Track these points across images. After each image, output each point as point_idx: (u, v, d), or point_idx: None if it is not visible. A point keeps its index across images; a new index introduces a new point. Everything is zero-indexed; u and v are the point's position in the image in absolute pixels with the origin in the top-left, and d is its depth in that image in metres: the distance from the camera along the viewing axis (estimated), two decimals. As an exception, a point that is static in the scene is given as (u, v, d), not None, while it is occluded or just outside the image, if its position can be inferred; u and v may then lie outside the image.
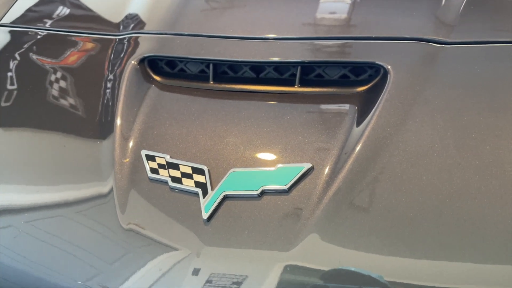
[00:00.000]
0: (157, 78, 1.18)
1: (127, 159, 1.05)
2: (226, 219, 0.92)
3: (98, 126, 1.14)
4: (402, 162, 0.90)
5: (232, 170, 0.96)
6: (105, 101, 1.18)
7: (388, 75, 1.00)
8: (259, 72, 1.13)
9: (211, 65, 1.13)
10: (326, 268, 0.85)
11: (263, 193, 0.92)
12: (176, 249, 0.92)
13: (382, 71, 1.03)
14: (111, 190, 1.02)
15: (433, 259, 0.83)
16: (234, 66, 1.14)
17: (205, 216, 0.93)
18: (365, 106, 0.99)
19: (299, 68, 1.07)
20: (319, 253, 0.86)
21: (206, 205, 0.94)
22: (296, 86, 1.08)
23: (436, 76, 1.01)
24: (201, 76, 1.16)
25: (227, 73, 1.15)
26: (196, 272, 0.88)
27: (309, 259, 0.86)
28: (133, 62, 1.19)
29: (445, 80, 1.00)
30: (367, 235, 0.85)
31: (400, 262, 0.84)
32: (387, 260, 0.84)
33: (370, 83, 1.05)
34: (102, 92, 1.21)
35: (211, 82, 1.14)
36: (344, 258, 0.85)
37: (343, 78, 1.07)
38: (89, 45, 1.35)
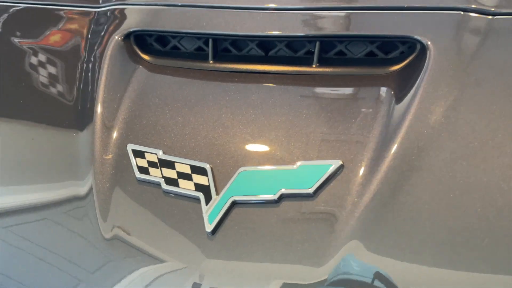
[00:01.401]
0: (145, 57, 0.95)
1: (110, 155, 0.82)
2: (236, 232, 0.71)
3: (74, 116, 0.92)
4: (455, 159, 0.69)
5: (241, 169, 0.74)
6: (82, 86, 0.95)
7: (428, 52, 0.79)
8: (268, 49, 0.91)
9: (210, 41, 0.91)
10: (365, 282, 0.64)
11: (282, 197, 0.71)
12: (171, 269, 0.70)
13: (418, 47, 0.81)
14: (89, 193, 0.80)
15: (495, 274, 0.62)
16: (238, 42, 0.92)
17: (208, 228, 0.71)
18: (401, 90, 0.78)
19: (317, 43, 0.85)
20: (356, 270, 0.65)
21: (210, 213, 0.72)
22: (314, 66, 0.86)
23: (484, 54, 0.80)
24: (199, 55, 0.94)
25: (229, 50, 0.93)
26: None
27: (345, 276, 0.65)
28: (116, 38, 0.96)
29: (495, 59, 0.79)
30: (415, 250, 0.64)
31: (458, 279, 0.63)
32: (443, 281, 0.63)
33: (403, 61, 0.83)
34: (78, 75, 0.98)
35: (211, 62, 0.91)
36: (388, 275, 0.65)
37: (369, 56, 0.85)
38: (63, 20, 1.11)
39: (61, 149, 0.86)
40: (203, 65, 0.92)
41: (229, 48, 0.93)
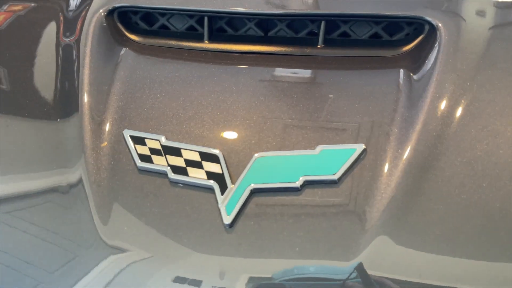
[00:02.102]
0: (132, 37, 0.86)
1: (105, 143, 0.72)
2: (257, 223, 0.64)
3: (56, 102, 0.81)
4: (482, 137, 0.66)
5: (257, 155, 0.67)
6: (63, 70, 0.84)
7: (438, 33, 0.75)
8: (267, 29, 0.84)
9: (205, 19, 0.82)
10: (400, 280, 0.59)
11: (304, 185, 0.65)
12: (186, 269, 0.62)
13: (427, 28, 0.77)
14: (78, 184, 0.69)
15: None
16: (234, 21, 0.84)
17: (227, 220, 0.64)
18: (416, 71, 0.74)
19: (323, 23, 0.79)
20: (390, 262, 0.60)
21: (227, 204, 0.65)
22: (319, 46, 0.80)
23: (497, 34, 0.78)
24: (191, 35, 0.85)
25: (224, 30, 0.85)
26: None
27: (378, 269, 0.60)
28: (98, 16, 0.85)
29: (507, 37, 0.77)
30: (451, 238, 0.60)
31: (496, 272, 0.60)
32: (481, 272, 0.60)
33: (411, 42, 0.79)
34: (57, 58, 0.86)
35: (206, 42, 0.83)
36: (423, 267, 0.60)
37: (373, 38, 0.81)
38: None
39: (41, 138, 0.75)
40: (198, 45, 0.84)
41: (225, 27, 0.85)
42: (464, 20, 0.79)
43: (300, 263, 0.62)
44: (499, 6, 0.81)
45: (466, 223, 0.61)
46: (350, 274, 0.60)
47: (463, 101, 0.69)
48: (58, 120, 0.77)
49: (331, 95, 0.73)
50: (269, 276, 0.61)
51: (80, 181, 0.70)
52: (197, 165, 0.68)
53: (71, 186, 0.70)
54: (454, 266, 0.60)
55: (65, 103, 0.78)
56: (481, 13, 0.82)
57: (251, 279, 0.61)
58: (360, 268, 0.60)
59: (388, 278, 0.60)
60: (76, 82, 0.78)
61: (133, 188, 0.68)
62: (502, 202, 0.62)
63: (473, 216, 0.62)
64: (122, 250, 0.64)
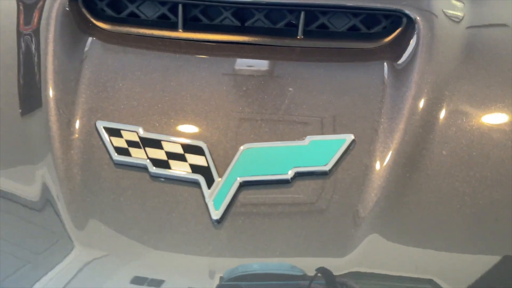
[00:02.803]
0: (99, 24, 0.79)
1: (75, 135, 0.66)
2: (247, 218, 0.60)
3: (18, 95, 0.73)
4: (469, 126, 0.65)
5: (244, 146, 0.63)
6: (23, 61, 0.76)
7: (416, 25, 0.75)
8: (244, 19, 0.80)
9: (180, 7, 0.78)
10: (394, 275, 0.57)
11: (295, 176, 0.61)
12: (177, 270, 0.57)
13: (405, 21, 0.77)
14: (46, 184, 0.62)
15: None
16: (210, 9, 0.80)
17: (215, 215, 0.59)
18: (397, 61, 0.73)
19: (302, 13, 0.77)
20: (384, 257, 0.58)
21: (215, 198, 0.60)
22: (298, 37, 0.77)
23: (472, 25, 0.79)
24: (164, 23, 0.80)
25: (199, 19, 0.81)
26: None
27: (371, 265, 0.57)
28: (60, 1, 0.78)
29: (484, 28, 0.77)
30: (443, 229, 0.59)
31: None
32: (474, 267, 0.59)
33: (390, 35, 0.78)
34: (17, 50, 0.78)
35: (180, 30, 0.78)
36: (418, 261, 0.58)
37: (351, 30, 0.79)
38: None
39: (1, 133, 0.67)
40: (172, 34, 0.79)
41: (199, 16, 0.81)
42: (440, 13, 0.79)
43: (293, 260, 0.58)
44: None
45: (457, 212, 0.60)
46: (344, 270, 0.57)
47: (446, 90, 0.69)
48: (22, 113, 0.69)
49: (317, 87, 0.70)
50: (261, 273, 0.57)
51: (46, 177, 0.63)
52: (180, 157, 0.62)
53: (36, 183, 0.63)
54: (447, 258, 0.59)
55: (29, 95, 0.70)
56: (456, 7, 0.82)
57: (242, 277, 0.56)
58: (353, 264, 0.57)
59: (382, 274, 0.58)
60: (40, 72, 0.71)
61: (109, 183, 0.61)
62: (492, 190, 0.61)
63: (464, 205, 0.60)
64: (98, 254, 0.58)
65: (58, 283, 0.56)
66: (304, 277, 0.57)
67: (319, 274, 0.57)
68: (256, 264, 0.57)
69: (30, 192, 0.62)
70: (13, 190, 0.63)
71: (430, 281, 0.57)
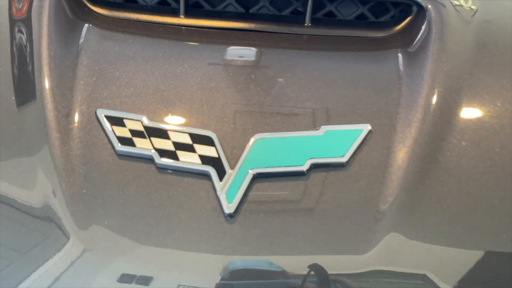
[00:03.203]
0: (96, 9, 0.74)
1: (74, 125, 0.61)
2: (261, 212, 0.56)
3: (12, 83, 0.67)
4: (492, 119, 0.63)
5: (257, 136, 0.59)
6: (16, 48, 0.71)
7: (427, 13, 0.72)
8: (248, 5, 0.77)
9: (181, -8, 0.73)
10: (417, 272, 0.54)
11: (311, 168, 0.58)
12: (188, 268, 0.53)
13: (415, 9, 0.74)
14: (43, 176, 0.58)
15: None
16: (212, -5, 0.76)
17: (228, 209, 0.55)
18: (411, 50, 0.70)
19: (310, 0, 0.74)
20: (405, 255, 0.55)
21: (228, 191, 0.56)
22: (306, 25, 0.74)
23: (484, 15, 0.76)
24: (164, 9, 0.76)
25: (201, 5, 0.77)
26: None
27: (395, 262, 0.54)
28: None
29: (499, 19, 0.75)
30: (466, 225, 0.56)
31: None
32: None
33: (398, 24, 0.76)
34: (10, 37, 0.73)
35: (182, 16, 0.74)
36: (441, 257, 0.55)
37: (359, 19, 0.77)
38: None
39: None
40: (174, 20, 0.74)
41: (201, 2, 0.77)
42: (451, 1, 0.77)
43: (311, 257, 0.54)
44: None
45: (481, 206, 0.57)
46: (365, 268, 0.54)
47: (462, 79, 0.66)
48: (15, 102, 0.64)
49: (328, 75, 0.67)
50: (278, 270, 0.53)
51: (43, 170, 0.58)
52: (189, 148, 0.58)
53: (32, 177, 0.58)
54: (469, 254, 0.56)
55: (23, 83, 0.65)
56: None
57: (258, 275, 0.52)
58: (374, 261, 0.54)
59: (404, 272, 0.55)
60: (33, 59, 0.66)
61: (112, 175, 0.57)
62: None
63: (488, 198, 0.58)
64: (101, 252, 0.53)
65: (54, 282, 0.51)
66: (323, 275, 0.53)
67: (338, 272, 0.53)
68: (271, 261, 0.53)
69: (26, 186, 0.57)
70: (8, 185, 0.58)
71: (453, 278, 0.54)
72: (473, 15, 0.76)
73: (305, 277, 0.53)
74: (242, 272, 0.52)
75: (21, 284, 0.51)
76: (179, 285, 0.51)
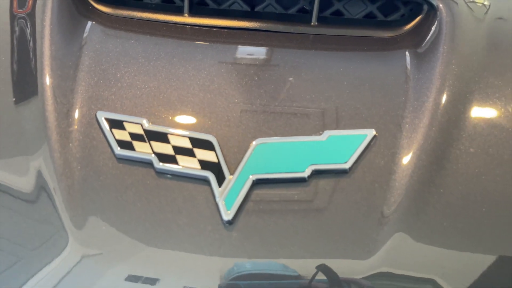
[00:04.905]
0: (100, 7, 0.73)
1: (74, 127, 0.60)
2: (261, 219, 0.55)
3: (12, 82, 0.67)
4: (502, 125, 0.61)
5: (257, 141, 0.58)
6: (17, 47, 0.70)
7: (438, 13, 0.70)
8: (254, 4, 0.75)
9: (185, -10, 0.72)
10: (421, 277, 0.53)
11: (312, 175, 0.56)
12: (185, 275, 0.52)
13: (426, 8, 0.72)
14: (42, 178, 0.57)
15: None
16: (217, -7, 0.74)
17: (227, 215, 0.54)
18: (420, 50, 0.68)
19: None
20: (409, 260, 0.53)
21: (226, 198, 0.55)
22: (312, 24, 0.72)
23: (495, 15, 0.74)
24: (168, 7, 0.75)
25: (206, 3, 0.75)
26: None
27: (398, 268, 0.53)
28: None
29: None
30: (470, 231, 0.55)
31: None
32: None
33: (407, 23, 0.73)
34: (10, 35, 0.72)
35: (186, 15, 0.73)
36: (444, 263, 0.54)
37: (367, 17, 0.74)
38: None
39: None
40: (178, 19, 0.73)
41: (206, 0, 0.75)
42: (463, 0, 0.74)
43: (312, 263, 0.53)
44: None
45: (486, 212, 0.55)
46: (367, 273, 0.53)
47: (472, 82, 0.64)
48: (15, 101, 0.63)
49: (333, 77, 0.65)
50: (278, 279, 0.52)
51: (42, 172, 0.57)
52: (188, 152, 0.57)
53: (32, 179, 0.57)
54: (476, 260, 0.54)
55: (24, 82, 0.64)
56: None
57: (257, 283, 0.52)
58: (375, 267, 0.53)
59: (407, 276, 0.53)
60: (35, 58, 0.65)
61: (111, 179, 0.56)
62: None
63: (494, 205, 0.56)
64: (98, 255, 0.53)
65: (52, 283, 0.51)
66: (323, 281, 0.52)
67: (340, 277, 0.52)
68: (270, 266, 0.52)
69: (25, 188, 0.57)
70: (7, 186, 0.57)
71: (456, 283, 0.52)
72: (485, 13, 0.73)
73: (303, 282, 0.52)
74: (238, 277, 0.51)
75: None
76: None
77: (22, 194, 0.57)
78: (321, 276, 0.52)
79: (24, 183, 0.57)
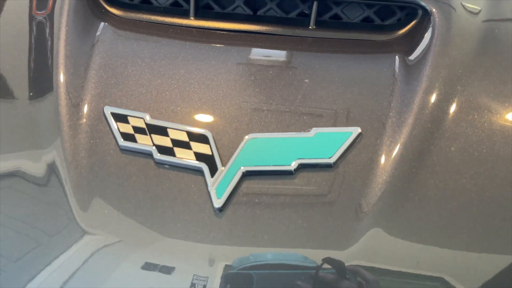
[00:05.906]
0: (112, 10, 0.79)
1: (83, 120, 0.66)
2: (249, 207, 0.59)
3: (29, 79, 0.73)
4: (480, 123, 0.64)
5: (249, 136, 0.63)
6: (34, 46, 0.77)
7: (431, 18, 0.73)
8: (256, 8, 0.80)
9: (192, -6, 0.77)
10: (396, 270, 0.57)
11: (298, 168, 0.61)
12: (177, 257, 0.57)
13: (420, 13, 0.75)
14: (55, 167, 0.63)
15: None
16: (221, -2, 0.79)
17: (217, 203, 0.59)
18: (410, 55, 0.71)
19: (315, 4, 0.76)
20: (386, 251, 0.57)
21: (218, 187, 0.60)
22: (310, 27, 0.76)
23: (489, 20, 0.76)
24: (176, 10, 0.80)
25: (211, 7, 0.80)
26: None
27: (374, 258, 0.57)
28: None
29: (505, 24, 0.75)
30: (448, 226, 0.58)
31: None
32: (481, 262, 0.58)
33: (405, 27, 0.77)
34: (29, 35, 0.79)
35: (192, 18, 0.78)
36: (420, 255, 0.57)
37: (364, 21, 0.78)
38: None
39: (12, 117, 0.68)
40: (184, 21, 0.78)
41: (211, 4, 0.80)
42: (457, 5, 0.77)
43: (293, 250, 0.58)
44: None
45: (463, 210, 0.59)
46: (346, 263, 0.57)
47: (459, 85, 0.67)
48: (32, 97, 0.70)
49: (326, 78, 0.69)
50: (261, 263, 0.57)
51: (55, 161, 0.63)
52: (185, 145, 0.62)
53: (46, 166, 0.64)
54: (451, 255, 0.58)
55: (40, 79, 0.71)
56: (472, 1, 0.80)
57: (242, 266, 0.56)
58: (353, 257, 0.57)
59: (384, 268, 0.57)
60: (52, 57, 0.72)
61: (115, 168, 0.62)
62: (500, 189, 0.59)
63: (471, 203, 0.59)
64: (102, 237, 0.58)
65: (63, 264, 0.57)
66: (303, 267, 0.56)
67: (319, 265, 0.57)
68: (256, 254, 0.57)
69: (39, 174, 0.63)
70: (23, 172, 0.64)
71: (430, 277, 0.56)
72: (477, 17, 0.76)
73: (286, 269, 0.57)
74: (226, 262, 0.56)
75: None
76: (167, 272, 0.55)
77: (36, 179, 0.63)
78: (300, 263, 0.56)
79: (38, 169, 0.63)
